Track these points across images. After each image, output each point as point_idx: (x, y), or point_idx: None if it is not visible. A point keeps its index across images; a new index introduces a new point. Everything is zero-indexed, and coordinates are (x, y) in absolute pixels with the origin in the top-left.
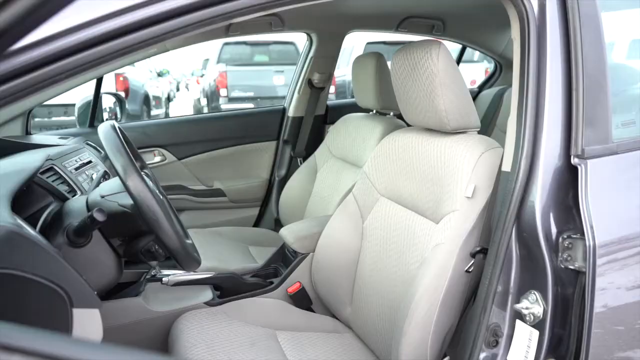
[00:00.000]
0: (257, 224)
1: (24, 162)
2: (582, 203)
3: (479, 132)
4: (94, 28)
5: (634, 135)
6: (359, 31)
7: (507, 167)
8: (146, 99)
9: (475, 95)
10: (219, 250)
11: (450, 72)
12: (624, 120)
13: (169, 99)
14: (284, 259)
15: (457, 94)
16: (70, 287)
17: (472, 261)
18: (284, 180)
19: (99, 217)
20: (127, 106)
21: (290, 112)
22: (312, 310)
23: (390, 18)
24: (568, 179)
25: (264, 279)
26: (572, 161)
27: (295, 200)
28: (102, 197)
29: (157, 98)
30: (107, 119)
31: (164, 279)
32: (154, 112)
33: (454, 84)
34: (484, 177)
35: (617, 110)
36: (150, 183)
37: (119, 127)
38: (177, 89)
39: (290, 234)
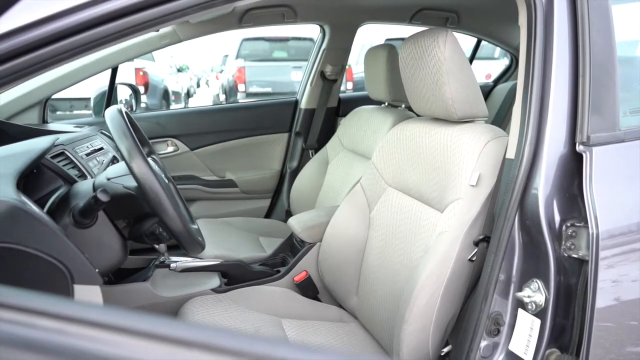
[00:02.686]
0: (268, 215)
1: (32, 144)
2: (586, 190)
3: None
4: (93, 9)
5: None
6: (372, 23)
7: (511, 154)
8: (165, 94)
9: (490, 89)
10: (229, 239)
11: (457, 60)
12: (632, 108)
13: (188, 95)
14: (292, 249)
15: (464, 82)
16: (72, 263)
17: (475, 250)
18: (296, 172)
19: (103, 197)
20: (146, 100)
21: (303, 104)
22: (318, 300)
23: (403, 10)
24: (573, 167)
25: (271, 268)
26: (577, 148)
27: (306, 192)
28: (108, 179)
29: (176, 93)
30: None
31: (171, 265)
32: (173, 107)
33: (460, 72)
34: (489, 166)
35: (626, 98)
36: (155, 167)
37: (126, 112)
38: (198, 85)
39: (298, 223)
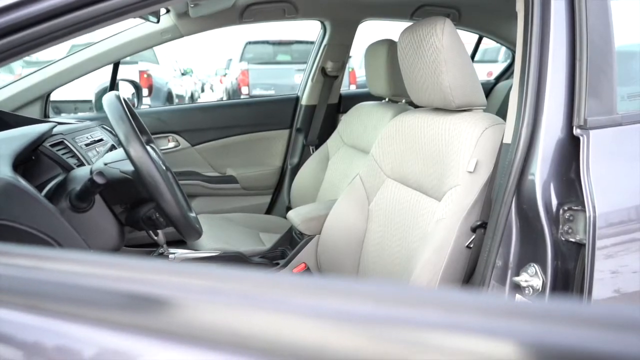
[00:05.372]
0: (269, 211)
1: (30, 128)
2: (582, 173)
3: None
4: None
5: None
6: (373, 19)
7: (508, 139)
8: (169, 97)
9: (491, 87)
10: (229, 234)
11: (455, 48)
12: (630, 92)
13: (192, 99)
14: (291, 242)
15: (461, 70)
16: (65, 241)
17: (473, 236)
18: (296, 169)
19: (99, 179)
20: (150, 103)
21: (304, 101)
22: None
23: (404, 6)
24: (570, 151)
25: (270, 261)
26: (574, 132)
27: (306, 188)
28: (106, 164)
29: (180, 96)
30: None
31: (170, 256)
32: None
33: (458, 60)
34: (487, 152)
35: (624, 83)
36: (153, 153)
37: (124, 99)
38: (202, 90)
39: (297, 216)
